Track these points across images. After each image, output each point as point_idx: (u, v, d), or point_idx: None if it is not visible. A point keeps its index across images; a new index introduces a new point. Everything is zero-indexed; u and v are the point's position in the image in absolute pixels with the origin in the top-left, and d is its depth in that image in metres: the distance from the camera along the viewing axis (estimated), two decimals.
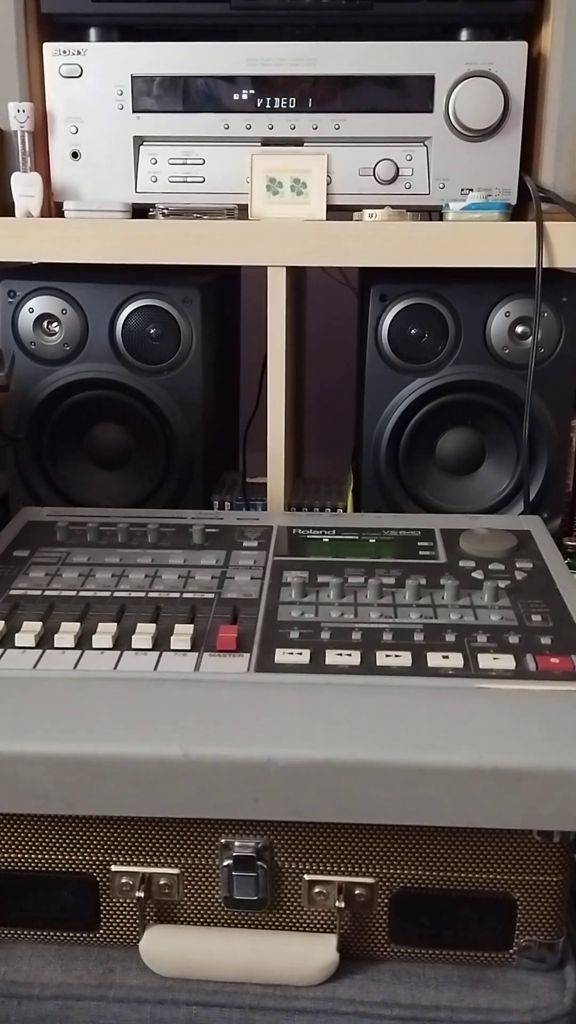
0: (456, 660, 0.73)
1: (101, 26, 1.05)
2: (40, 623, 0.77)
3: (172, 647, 0.75)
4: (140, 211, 1.06)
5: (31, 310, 1.07)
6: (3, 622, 0.77)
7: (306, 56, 1.02)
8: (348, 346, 1.26)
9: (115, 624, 0.77)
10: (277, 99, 1.03)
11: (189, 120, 1.05)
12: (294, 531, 0.97)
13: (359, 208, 1.03)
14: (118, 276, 1.06)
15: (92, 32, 1.05)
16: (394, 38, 1.02)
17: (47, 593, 0.84)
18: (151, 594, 0.84)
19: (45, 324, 1.08)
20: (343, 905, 0.69)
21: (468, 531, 0.95)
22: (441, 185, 1.04)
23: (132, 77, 1.04)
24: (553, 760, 0.62)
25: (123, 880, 0.70)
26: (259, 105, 1.04)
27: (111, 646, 0.75)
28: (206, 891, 0.70)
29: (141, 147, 1.06)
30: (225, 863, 0.69)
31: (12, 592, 0.84)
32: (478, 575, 0.86)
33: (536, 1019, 0.66)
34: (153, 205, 1.05)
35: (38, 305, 1.07)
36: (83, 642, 0.76)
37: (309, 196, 1.04)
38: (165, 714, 0.67)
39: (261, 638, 0.77)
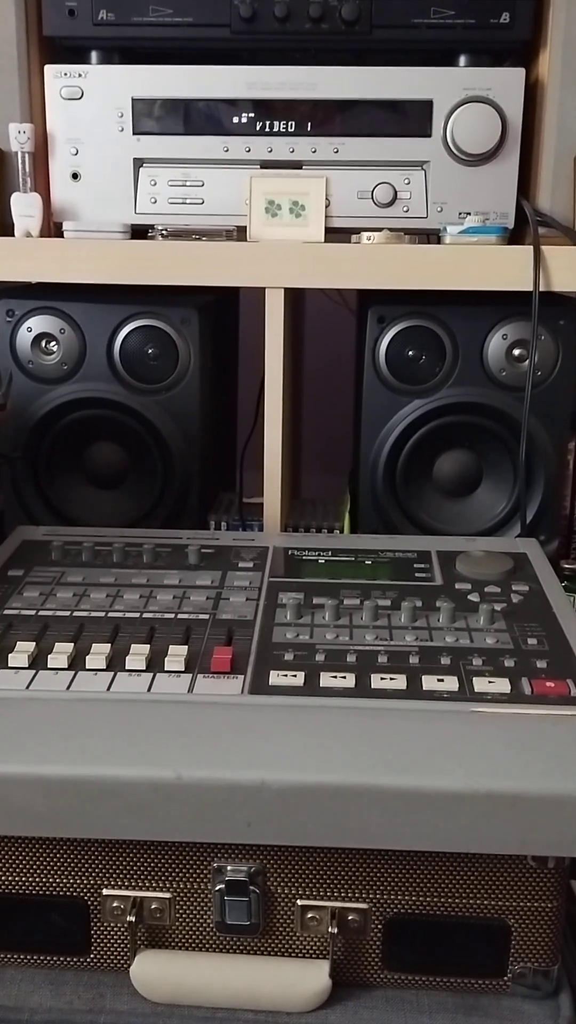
0: (451, 683, 0.72)
1: (102, 49, 1.06)
2: (34, 643, 0.77)
3: (166, 668, 0.74)
4: (139, 232, 1.06)
5: (29, 329, 1.08)
6: None
7: (306, 80, 1.03)
8: (346, 367, 1.27)
9: (109, 645, 0.77)
10: (276, 123, 1.04)
11: (189, 142, 1.05)
12: (290, 552, 0.97)
13: (357, 231, 1.03)
14: (117, 296, 1.06)
15: (93, 55, 1.06)
16: (393, 63, 1.03)
17: (41, 613, 0.83)
18: (146, 615, 0.83)
19: (43, 343, 1.08)
20: (336, 931, 0.68)
21: (464, 553, 0.95)
22: (439, 209, 1.05)
23: (132, 100, 1.04)
24: (548, 785, 0.62)
25: (114, 904, 0.69)
26: (259, 128, 1.04)
27: (105, 667, 0.75)
28: (198, 916, 0.69)
29: (141, 169, 1.06)
30: (217, 887, 0.68)
31: (6, 612, 0.84)
32: (474, 598, 0.86)
33: None
34: (152, 226, 1.05)
35: (36, 324, 1.08)
36: (77, 663, 0.75)
37: (308, 218, 1.05)
38: (158, 736, 0.67)
39: (255, 660, 0.76)
